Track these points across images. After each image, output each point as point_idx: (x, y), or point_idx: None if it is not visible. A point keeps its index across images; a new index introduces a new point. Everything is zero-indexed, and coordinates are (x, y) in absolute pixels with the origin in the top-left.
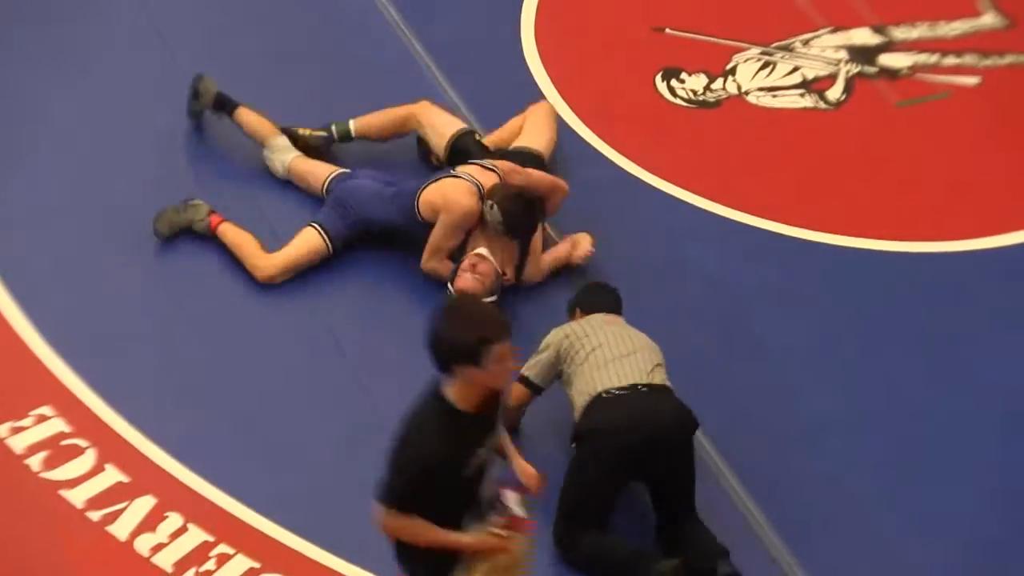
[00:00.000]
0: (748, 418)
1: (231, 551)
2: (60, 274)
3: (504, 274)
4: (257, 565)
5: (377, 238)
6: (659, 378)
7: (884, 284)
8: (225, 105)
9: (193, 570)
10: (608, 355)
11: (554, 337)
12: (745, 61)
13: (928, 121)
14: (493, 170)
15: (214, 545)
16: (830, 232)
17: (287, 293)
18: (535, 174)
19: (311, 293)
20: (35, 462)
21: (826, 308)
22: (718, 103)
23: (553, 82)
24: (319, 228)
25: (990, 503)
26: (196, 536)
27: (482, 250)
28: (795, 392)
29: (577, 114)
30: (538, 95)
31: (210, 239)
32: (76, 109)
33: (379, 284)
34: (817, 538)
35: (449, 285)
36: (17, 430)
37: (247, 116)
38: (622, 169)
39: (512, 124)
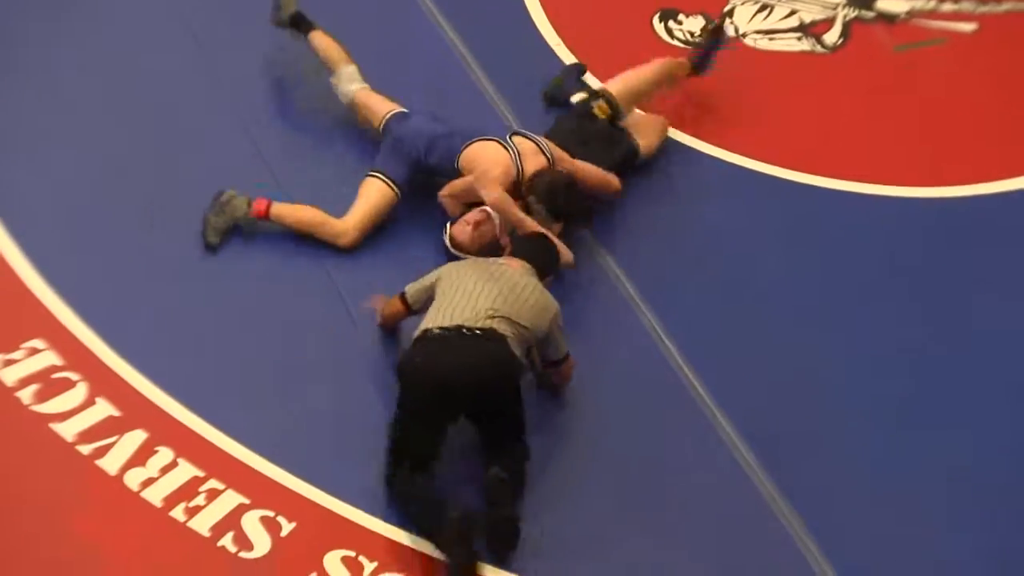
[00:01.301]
0: (744, 366)
1: (221, 486)
2: (55, 206)
3: None
4: (247, 500)
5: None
6: (494, 324)
7: (881, 227)
8: (300, 25)
9: (183, 505)
10: (458, 296)
11: (445, 268)
12: (743, 3)
13: (925, 67)
14: (545, 154)
15: (204, 480)
16: (825, 176)
17: (282, 234)
18: (585, 167)
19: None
20: (26, 395)
21: (824, 252)
22: None
23: (551, 22)
24: (381, 175)
25: (986, 446)
26: (186, 471)
27: (488, 209)
28: (794, 338)
29: (575, 54)
30: (536, 35)
31: (263, 227)
32: (77, 54)
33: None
34: (810, 482)
35: (447, 227)
36: (8, 363)
37: (321, 40)
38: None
39: (633, 80)
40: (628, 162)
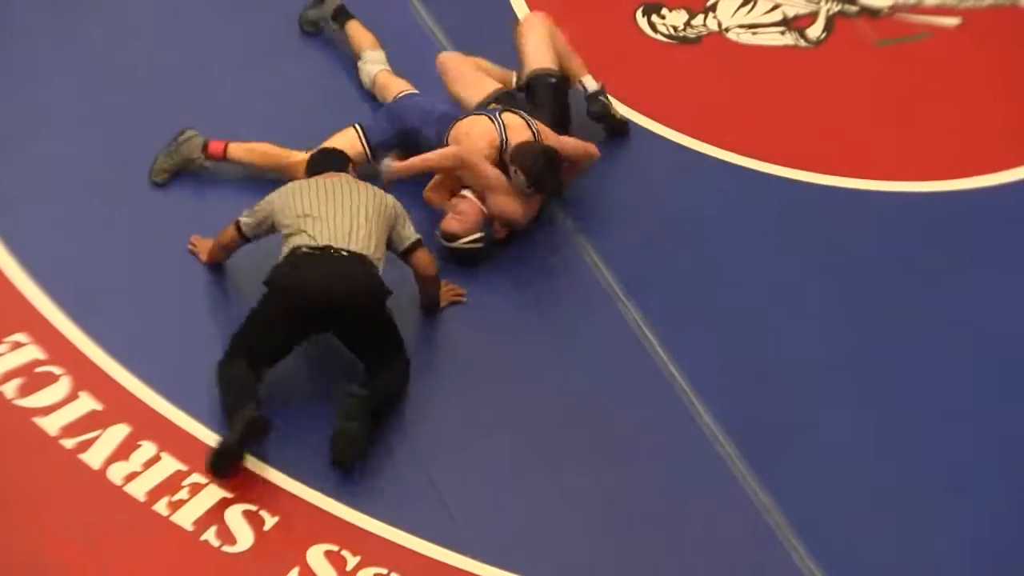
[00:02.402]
0: (725, 356)
1: (204, 480)
2: (39, 200)
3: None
4: (230, 495)
5: None
6: (358, 244)
7: (862, 222)
8: (340, 16)
9: (166, 499)
10: (318, 213)
11: (277, 194)
12: None
13: (908, 61)
14: (531, 128)
15: (187, 474)
16: (808, 170)
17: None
18: (567, 141)
19: None
20: (9, 389)
21: (805, 246)
22: (698, 39)
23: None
24: (359, 128)
25: (971, 438)
26: (169, 465)
27: (466, 192)
28: (772, 330)
29: None
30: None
31: (214, 168)
32: (61, 46)
33: None
34: (791, 474)
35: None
36: None
37: (355, 29)
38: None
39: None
40: (559, 91)
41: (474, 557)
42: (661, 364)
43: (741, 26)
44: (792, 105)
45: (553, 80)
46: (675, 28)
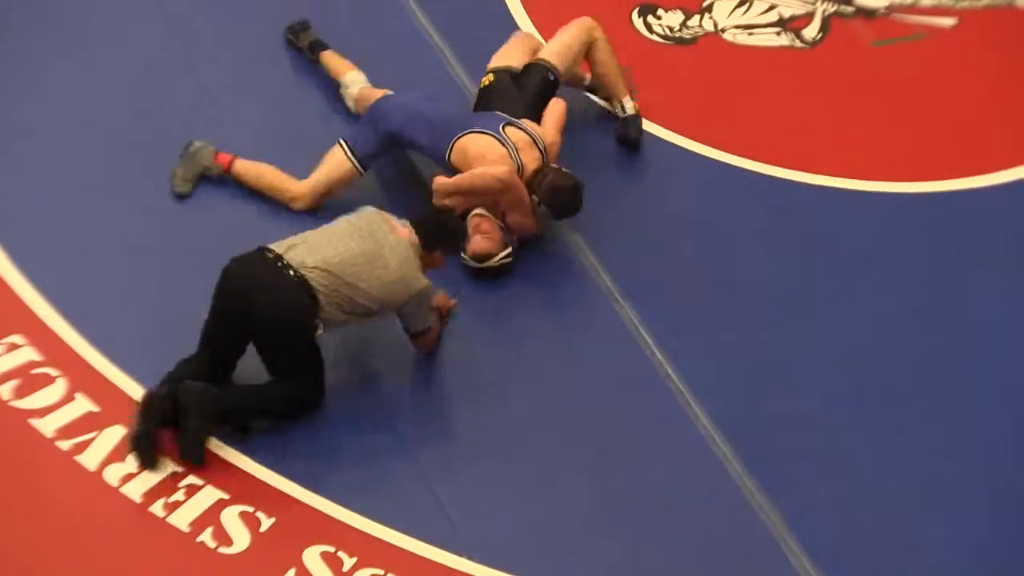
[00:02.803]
0: (721, 357)
1: (200, 482)
2: (35, 202)
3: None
4: (226, 496)
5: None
6: (313, 275)
7: (858, 223)
8: (315, 48)
9: (162, 500)
10: (323, 236)
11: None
12: None
13: (904, 62)
14: (537, 145)
15: (183, 476)
16: (804, 171)
17: (261, 230)
18: (552, 131)
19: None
20: (5, 391)
21: (801, 247)
22: (694, 40)
23: (529, 16)
24: (344, 145)
25: (965, 438)
26: (165, 467)
27: (479, 210)
28: (769, 330)
29: None
30: (513, 28)
31: (225, 180)
32: (54, 47)
33: None
34: (787, 474)
35: (463, 253)
36: None
37: (329, 58)
38: (597, 105)
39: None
40: (549, 88)
41: (471, 558)
42: (658, 365)
43: (737, 27)
44: (788, 106)
45: (551, 76)
46: (671, 29)
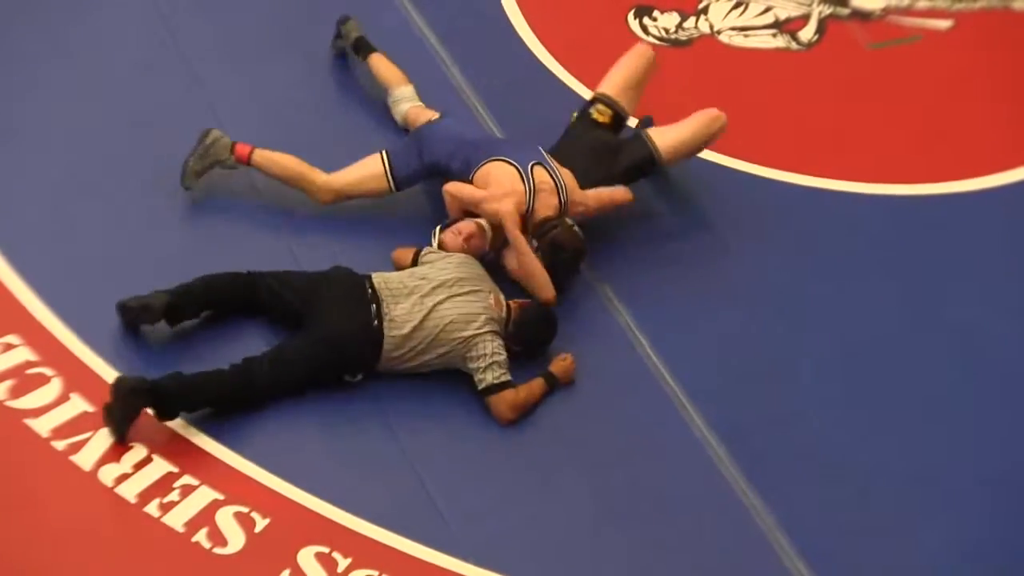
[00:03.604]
0: (716, 359)
1: (195, 482)
2: (30, 201)
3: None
4: (221, 496)
5: None
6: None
7: (854, 225)
8: (360, 50)
9: (157, 501)
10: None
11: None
12: (718, 0)
13: (900, 64)
14: (560, 195)
15: (178, 476)
16: (799, 172)
17: (266, 225)
18: (596, 197)
19: (289, 228)
20: (0, 391)
21: (798, 249)
22: (690, 42)
23: (526, 18)
24: (386, 160)
25: (959, 438)
26: (160, 467)
27: (483, 222)
28: (766, 333)
29: (549, 51)
30: (511, 32)
31: (245, 171)
32: (50, 47)
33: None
34: (782, 476)
35: (437, 230)
36: None
37: (378, 63)
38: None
39: (620, 75)
40: (642, 169)
41: (465, 559)
42: (653, 367)
43: (733, 28)
44: (784, 108)
45: (652, 163)
46: (667, 30)
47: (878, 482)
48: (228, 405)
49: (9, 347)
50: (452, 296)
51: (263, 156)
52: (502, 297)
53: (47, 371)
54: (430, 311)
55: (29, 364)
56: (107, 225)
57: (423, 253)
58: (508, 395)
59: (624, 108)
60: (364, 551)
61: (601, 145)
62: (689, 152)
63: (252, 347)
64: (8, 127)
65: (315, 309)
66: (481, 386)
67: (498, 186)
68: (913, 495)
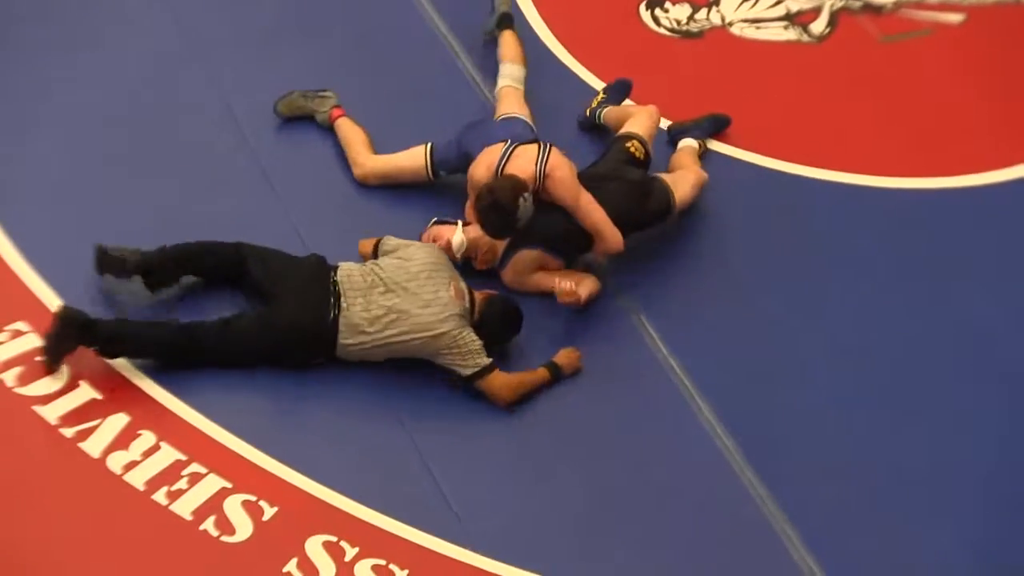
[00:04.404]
0: (724, 350)
1: (203, 470)
2: (40, 188)
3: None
4: (229, 484)
5: None
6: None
7: (863, 218)
8: (501, 24)
9: (165, 488)
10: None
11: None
12: None
13: (911, 58)
14: (536, 165)
15: (186, 464)
16: (810, 165)
17: (265, 224)
18: (589, 212)
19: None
20: (9, 377)
21: (806, 241)
22: (701, 33)
23: (537, 8)
24: (428, 148)
25: (969, 436)
26: (169, 454)
27: (469, 229)
28: (772, 325)
29: (561, 43)
30: (520, 19)
31: (328, 131)
32: (64, 37)
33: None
34: (789, 469)
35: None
36: None
37: (506, 38)
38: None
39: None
40: (660, 217)
41: (473, 549)
42: (661, 358)
43: (744, 21)
44: (795, 100)
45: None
46: (678, 22)
47: (886, 476)
48: (170, 360)
49: (18, 334)
50: (409, 291)
51: (344, 123)
52: (463, 285)
53: None
54: (387, 310)
55: (38, 351)
56: (117, 214)
57: (383, 242)
58: (499, 377)
59: (652, 151)
60: (372, 540)
61: (636, 186)
62: (693, 194)
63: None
64: (19, 117)
65: (278, 292)
66: (465, 374)
67: (477, 164)
68: (921, 489)
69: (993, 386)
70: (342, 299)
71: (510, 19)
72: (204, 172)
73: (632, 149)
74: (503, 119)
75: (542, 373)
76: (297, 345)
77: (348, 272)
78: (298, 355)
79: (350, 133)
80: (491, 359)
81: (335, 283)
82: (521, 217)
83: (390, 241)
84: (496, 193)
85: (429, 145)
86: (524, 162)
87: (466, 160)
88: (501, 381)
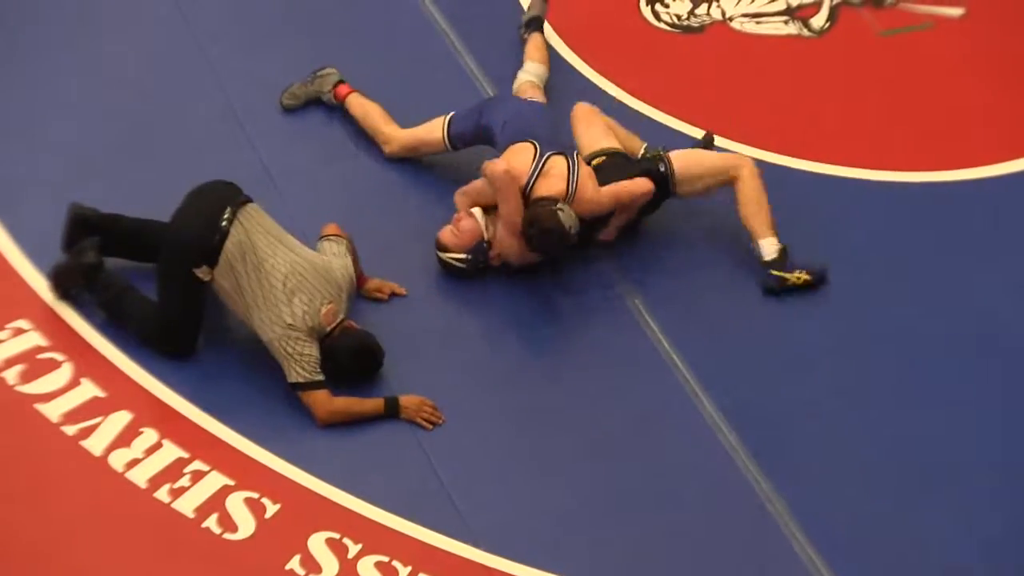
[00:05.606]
0: (727, 345)
1: (206, 468)
2: (41, 187)
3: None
4: (231, 482)
5: None
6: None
7: (865, 213)
8: (530, 25)
9: (167, 486)
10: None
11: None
12: None
13: (912, 51)
14: (568, 179)
15: (189, 461)
16: (811, 160)
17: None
18: (608, 197)
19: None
20: (11, 375)
21: (808, 235)
22: (702, 28)
23: None
24: (446, 120)
25: (973, 429)
26: (171, 452)
27: (476, 210)
28: (774, 319)
29: (562, 37)
30: (520, 14)
31: (337, 110)
32: (65, 35)
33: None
34: (793, 463)
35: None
36: None
37: (532, 39)
38: (606, 93)
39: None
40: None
41: (476, 546)
42: (664, 354)
43: (745, 15)
44: (795, 95)
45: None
46: (678, 17)
47: (890, 470)
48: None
49: (20, 331)
50: (260, 281)
51: (356, 100)
52: (340, 314)
53: (57, 356)
54: (257, 281)
55: (39, 349)
56: (118, 210)
57: (329, 238)
58: (320, 396)
59: (673, 181)
60: (375, 537)
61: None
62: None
63: None
64: (19, 113)
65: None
66: (288, 380)
67: (511, 155)
68: (925, 483)
69: (1005, 379)
70: (240, 215)
71: (540, 23)
72: (205, 166)
73: (659, 166)
74: (528, 99)
75: (374, 405)
76: (186, 240)
77: (261, 217)
78: (190, 254)
79: (367, 108)
80: (319, 378)
81: (238, 208)
82: (571, 227)
83: (331, 245)
84: (542, 222)
85: (448, 117)
86: (555, 180)
87: (486, 134)
88: (321, 401)
